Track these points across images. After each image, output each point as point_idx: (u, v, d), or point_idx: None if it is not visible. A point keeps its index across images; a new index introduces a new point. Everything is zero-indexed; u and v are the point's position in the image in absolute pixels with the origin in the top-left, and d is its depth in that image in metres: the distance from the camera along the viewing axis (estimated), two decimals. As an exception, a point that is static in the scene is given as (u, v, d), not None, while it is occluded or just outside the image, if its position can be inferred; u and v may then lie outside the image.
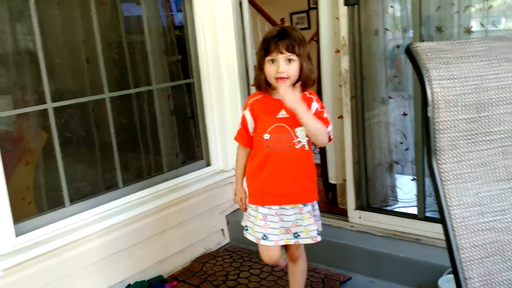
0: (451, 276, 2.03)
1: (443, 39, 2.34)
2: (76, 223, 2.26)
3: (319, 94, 2.88)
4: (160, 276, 2.55)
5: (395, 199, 2.73)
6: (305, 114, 1.71)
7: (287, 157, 1.80)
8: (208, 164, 2.96)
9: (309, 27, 7.84)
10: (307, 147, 1.81)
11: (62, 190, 2.27)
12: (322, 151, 2.98)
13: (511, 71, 1.11)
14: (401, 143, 2.69)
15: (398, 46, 2.59)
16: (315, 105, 1.81)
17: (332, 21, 2.68)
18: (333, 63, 2.72)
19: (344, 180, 2.71)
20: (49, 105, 2.22)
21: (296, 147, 1.79)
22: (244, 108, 1.89)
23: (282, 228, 1.87)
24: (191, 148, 3.00)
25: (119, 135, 2.54)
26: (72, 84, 2.49)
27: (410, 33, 2.51)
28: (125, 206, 2.45)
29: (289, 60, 1.73)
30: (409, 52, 1.09)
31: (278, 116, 1.80)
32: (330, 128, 1.79)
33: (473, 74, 1.09)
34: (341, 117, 2.67)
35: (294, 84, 1.77)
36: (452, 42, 1.13)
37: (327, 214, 2.78)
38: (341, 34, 2.50)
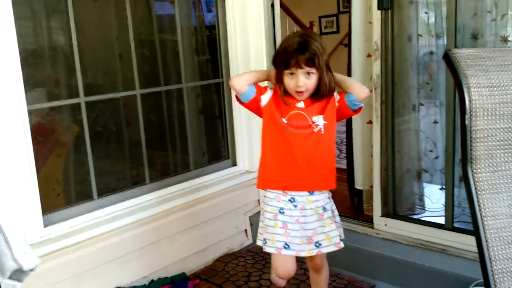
0: (479, 288, 1.99)
1: (478, 47, 2.30)
2: (103, 217, 2.29)
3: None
4: (183, 274, 2.56)
5: (422, 208, 2.69)
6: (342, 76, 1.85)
7: (304, 140, 1.80)
8: (234, 164, 2.96)
9: (337, 31, 7.82)
10: (323, 131, 1.80)
11: (91, 183, 2.31)
12: (349, 156, 2.96)
13: (553, 81, 1.08)
14: (431, 151, 2.65)
15: (431, 53, 2.56)
16: (337, 97, 1.85)
17: (364, 25, 2.66)
18: (364, 67, 2.70)
19: (371, 186, 2.69)
20: (82, 99, 2.26)
21: (314, 130, 1.79)
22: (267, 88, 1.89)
23: (304, 237, 1.83)
24: (217, 148, 3.01)
25: (148, 131, 2.57)
26: (105, 80, 2.52)
27: (444, 40, 2.48)
28: (151, 202, 2.48)
29: (308, 73, 1.75)
30: (448, 58, 1.08)
31: (297, 105, 1.81)
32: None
33: (513, 83, 1.06)
34: (370, 122, 2.65)
35: (314, 95, 1.80)
36: (491, 49, 1.12)
37: (352, 220, 2.75)
38: (374, 38, 2.48)
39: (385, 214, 2.60)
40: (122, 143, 2.56)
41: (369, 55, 2.64)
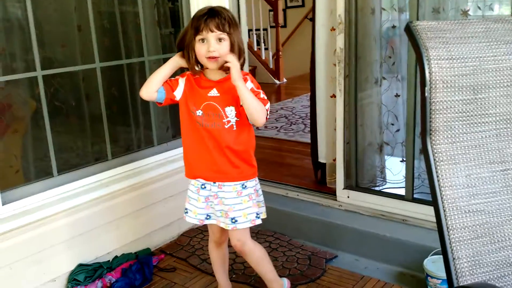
0: (437, 257, 2.06)
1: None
2: (64, 194, 2.24)
3: (312, 72, 2.87)
4: (148, 249, 2.55)
5: (384, 180, 2.75)
6: (246, 89, 1.70)
7: (217, 135, 1.79)
8: (198, 139, 2.94)
9: (303, 5, 7.78)
10: (235, 127, 1.79)
11: (50, 160, 2.25)
12: (313, 130, 2.98)
13: (509, 53, 1.10)
14: (392, 124, 2.69)
15: (394, 27, 2.58)
16: (250, 84, 1.77)
17: (328, -2, 2.65)
18: (328, 41, 2.70)
19: (334, 160, 2.72)
20: (39, 73, 2.18)
21: (226, 126, 1.78)
22: (179, 76, 1.86)
23: (222, 211, 1.86)
24: (181, 122, 2.97)
25: (109, 106, 2.51)
26: (63, 53, 2.44)
27: (406, 14, 2.50)
28: (114, 178, 2.44)
29: (220, 40, 1.70)
30: (409, 30, 1.08)
31: (209, 95, 1.78)
32: (267, 106, 1.77)
33: (472, 55, 1.08)
34: (333, 96, 2.67)
35: (223, 64, 1.73)
36: (452, 21, 1.12)
37: (316, 193, 2.79)
38: (337, 12, 2.48)
39: (348, 186, 2.65)
40: (83, 118, 2.50)
41: (333, 29, 2.64)
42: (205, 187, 1.88)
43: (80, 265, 2.29)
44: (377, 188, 2.71)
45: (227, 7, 2.77)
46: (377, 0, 2.51)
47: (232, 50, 1.72)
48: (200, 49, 1.72)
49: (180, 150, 2.76)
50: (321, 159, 2.94)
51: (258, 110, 1.71)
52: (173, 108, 2.90)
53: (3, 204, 2.04)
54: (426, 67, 1.05)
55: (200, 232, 2.75)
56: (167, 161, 2.68)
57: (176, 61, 1.82)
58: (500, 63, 1.09)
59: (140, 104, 2.72)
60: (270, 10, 7.40)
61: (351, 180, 2.65)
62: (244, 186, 1.86)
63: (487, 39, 1.11)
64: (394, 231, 2.35)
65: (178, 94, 1.83)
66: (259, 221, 1.89)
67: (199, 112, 1.79)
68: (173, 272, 2.40)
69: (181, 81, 1.84)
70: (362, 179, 2.69)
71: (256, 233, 2.67)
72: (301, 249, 2.51)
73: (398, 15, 2.54)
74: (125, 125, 2.70)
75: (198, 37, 1.71)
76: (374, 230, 2.39)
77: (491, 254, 1.06)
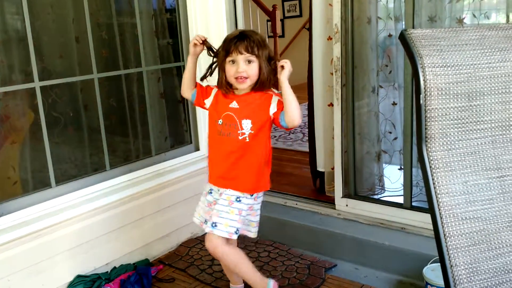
0: (436, 265, 2.05)
1: (435, 30, 2.33)
2: (62, 204, 2.24)
3: (310, 81, 2.88)
4: (146, 260, 2.54)
5: (382, 188, 2.75)
6: (290, 88, 1.82)
7: (231, 144, 1.90)
8: (197, 149, 2.94)
9: (300, 15, 7.82)
10: (247, 139, 1.87)
11: (49, 171, 2.25)
12: (311, 139, 2.99)
13: (504, 60, 1.11)
14: (390, 132, 2.70)
15: (390, 35, 2.59)
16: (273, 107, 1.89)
17: (325, 8, 2.67)
18: (325, 50, 2.71)
19: (332, 168, 2.72)
20: (36, 84, 2.19)
21: (239, 138, 1.88)
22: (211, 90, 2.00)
23: (208, 211, 1.98)
24: (179, 132, 2.98)
25: (107, 117, 2.51)
26: (61, 64, 2.45)
27: (402, 24, 2.51)
28: (112, 188, 2.43)
29: (249, 61, 1.82)
30: (403, 38, 1.09)
31: (230, 106, 1.90)
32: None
33: (466, 63, 1.09)
34: (331, 105, 2.68)
35: (255, 85, 1.86)
36: (446, 29, 1.13)
37: (315, 202, 2.79)
38: (334, 21, 2.49)
39: (346, 195, 2.64)
40: (81, 129, 2.50)
41: (329, 38, 2.65)
42: (211, 193, 2.00)
43: (79, 276, 2.28)
44: (375, 197, 2.71)
45: (224, 17, 2.80)
46: (373, 9, 2.53)
47: (260, 71, 1.83)
48: (230, 70, 1.85)
49: (178, 160, 2.78)
50: (320, 167, 2.94)
51: (297, 108, 1.82)
52: (170, 118, 2.91)
53: (1, 216, 2.03)
54: (421, 74, 1.05)
55: (199, 242, 2.74)
56: (165, 171, 2.68)
57: (192, 54, 1.96)
58: (495, 70, 1.10)
59: (138, 114, 2.72)
60: (268, 20, 7.43)
61: (349, 188, 2.65)
62: (238, 199, 1.91)
63: (482, 46, 1.11)
64: (393, 239, 2.35)
65: (208, 102, 1.99)
66: (235, 237, 1.93)
67: (220, 121, 1.92)
68: (172, 283, 2.39)
69: (213, 92, 1.98)
70: (360, 187, 2.69)
71: (255, 242, 2.66)
72: (300, 258, 2.50)
73: (394, 24, 2.56)
74: (123, 135, 2.70)
75: (228, 59, 1.84)
76: (373, 239, 2.38)
77: (488, 261, 1.06)
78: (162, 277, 2.43)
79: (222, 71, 1.88)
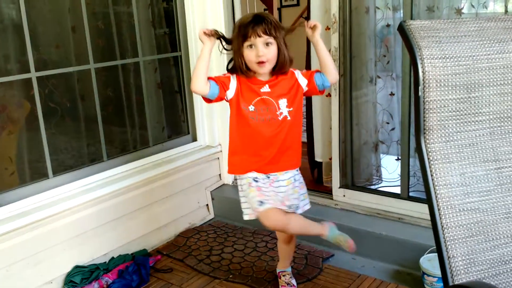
0: (433, 255, 2.06)
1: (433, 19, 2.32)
2: (60, 195, 2.24)
3: (308, 71, 2.87)
4: (144, 250, 2.55)
5: (380, 179, 2.76)
6: (323, 44, 1.86)
7: (271, 128, 1.86)
8: (194, 139, 2.94)
9: (298, 4, 7.77)
10: (289, 118, 1.86)
11: (46, 162, 2.25)
12: (309, 129, 2.98)
13: (503, 52, 1.11)
14: (387, 123, 2.70)
15: (388, 25, 2.58)
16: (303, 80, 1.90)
17: (323, -3, 2.65)
18: (323, 40, 2.68)
19: (330, 159, 2.72)
20: (33, 74, 2.18)
21: (279, 118, 1.85)
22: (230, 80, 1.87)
23: (276, 199, 1.91)
24: (177, 123, 2.97)
25: (104, 107, 2.50)
26: (57, 54, 2.43)
27: (400, 13, 2.50)
28: (110, 179, 2.43)
29: (267, 44, 1.78)
30: (402, 30, 1.08)
31: (262, 90, 1.85)
32: None
33: (465, 54, 1.08)
34: (329, 95, 2.67)
35: (274, 67, 1.83)
36: (445, 20, 1.13)
37: (312, 192, 2.78)
38: (332, 11, 2.48)
39: (344, 185, 2.65)
40: (78, 119, 2.49)
41: (327, 28, 2.64)
42: (257, 181, 1.91)
43: (77, 266, 2.28)
44: (373, 187, 2.71)
45: (221, 5, 2.78)
46: (371, -1, 2.52)
47: (279, 53, 1.80)
48: (249, 55, 1.79)
49: (177, 150, 2.78)
50: (318, 158, 2.94)
51: (332, 62, 1.89)
52: (168, 108, 2.91)
53: (-2, 207, 2.03)
54: (420, 66, 1.05)
55: (196, 232, 2.75)
56: (163, 161, 2.68)
57: (208, 45, 1.81)
58: (493, 62, 1.10)
59: (135, 104, 2.72)
60: (265, 9, 7.40)
61: (347, 179, 2.66)
62: (294, 179, 1.96)
63: (480, 37, 1.11)
64: (390, 230, 2.35)
65: (230, 94, 1.85)
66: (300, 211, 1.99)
67: (251, 108, 1.85)
68: (170, 273, 2.39)
69: (233, 81, 1.86)
70: (358, 178, 2.70)
71: (253, 233, 2.67)
72: (298, 248, 2.50)
73: (392, 13, 2.54)
74: (120, 126, 2.70)
75: (246, 44, 1.78)
76: (370, 229, 2.39)
77: (485, 252, 1.06)
78: (160, 267, 2.44)
79: (239, 57, 1.81)
